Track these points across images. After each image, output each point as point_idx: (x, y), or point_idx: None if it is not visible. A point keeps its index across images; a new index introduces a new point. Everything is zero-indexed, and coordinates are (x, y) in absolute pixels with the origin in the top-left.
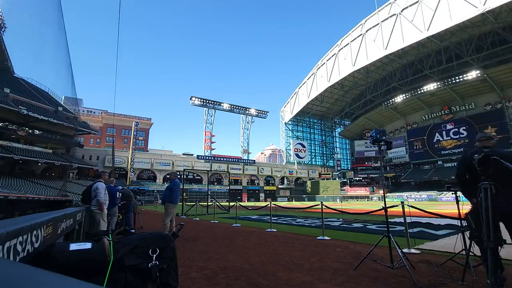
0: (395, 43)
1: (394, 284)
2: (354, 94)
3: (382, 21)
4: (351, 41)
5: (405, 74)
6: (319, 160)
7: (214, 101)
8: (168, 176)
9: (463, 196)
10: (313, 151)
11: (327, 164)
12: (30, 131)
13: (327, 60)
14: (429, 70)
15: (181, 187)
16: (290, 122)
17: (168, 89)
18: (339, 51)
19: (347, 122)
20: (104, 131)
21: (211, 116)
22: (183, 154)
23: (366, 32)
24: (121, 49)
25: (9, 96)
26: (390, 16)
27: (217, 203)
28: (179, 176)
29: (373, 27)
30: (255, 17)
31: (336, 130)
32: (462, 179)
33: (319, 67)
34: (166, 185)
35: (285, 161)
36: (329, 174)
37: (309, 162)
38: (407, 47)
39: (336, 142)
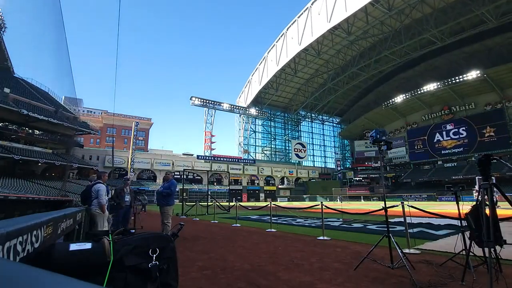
0: (339, 13)
1: (394, 284)
2: (318, 84)
3: None
4: (298, 17)
5: (367, 58)
6: (278, 156)
7: (214, 101)
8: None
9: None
10: (273, 146)
11: (290, 161)
12: (30, 131)
13: (276, 42)
14: (387, 51)
15: (179, 187)
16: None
17: (168, 89)
18: (287, 30)
19: (325, 117)
20: (104, 131)
21: (211, 116)
22: (183, 154)
23: (312, 4)
24: (121, 49)
25: (9, 96)
26: None
27: (217, 203)
28: (178, 176)
29: None
30: (255, 15)
31: (321, 125)
32: None
33: (269, 50)
34: (161, 185)
35: (244, 156)
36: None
37: (269, 160)
38: (367, 26)
39: (302, 137)
